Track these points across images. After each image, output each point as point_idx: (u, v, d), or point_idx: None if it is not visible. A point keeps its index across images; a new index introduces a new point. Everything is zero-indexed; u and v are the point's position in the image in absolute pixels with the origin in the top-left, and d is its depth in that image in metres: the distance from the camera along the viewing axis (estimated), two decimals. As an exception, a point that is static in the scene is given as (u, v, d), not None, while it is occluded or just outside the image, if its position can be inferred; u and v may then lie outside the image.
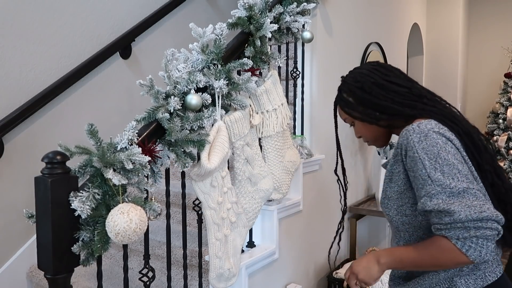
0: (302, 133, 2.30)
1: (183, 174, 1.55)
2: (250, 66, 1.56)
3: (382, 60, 3.29)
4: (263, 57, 1.71)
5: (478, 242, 0.96)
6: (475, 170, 1.08)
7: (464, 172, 1.02)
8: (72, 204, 1.09)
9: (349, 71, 1.32)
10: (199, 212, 1.58)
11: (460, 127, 1.12)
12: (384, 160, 1.38)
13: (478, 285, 1.09)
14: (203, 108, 1.42)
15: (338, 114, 1.39)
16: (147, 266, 1.39)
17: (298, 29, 1.96)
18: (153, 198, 1.27)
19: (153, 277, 1.38)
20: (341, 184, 1.66)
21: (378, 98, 1.21)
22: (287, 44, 2.32)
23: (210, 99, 1.42)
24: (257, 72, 1.68)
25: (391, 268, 1.15)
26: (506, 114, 4.34)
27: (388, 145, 2.87)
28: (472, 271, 1.10)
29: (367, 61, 3.01)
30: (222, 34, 1.48)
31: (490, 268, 1.11)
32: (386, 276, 2.06)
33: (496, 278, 1.10)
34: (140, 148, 1.19)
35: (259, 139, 1.80)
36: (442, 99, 1.25)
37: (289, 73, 2.26)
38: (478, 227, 0.96)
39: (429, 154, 1.03)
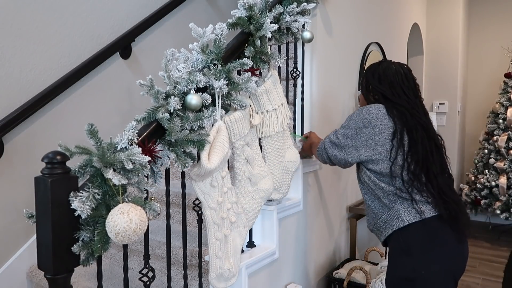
0: (302, 134, 2.30)
1: (183, 174, 1.55)
2: (250, 66, 1.56)
3: (382, 60, 3.29)
4: (263, 57, 1.71)
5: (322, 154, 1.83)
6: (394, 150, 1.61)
7: (354, 139, 1.67)
8: (72, 204, 1.09)
9: (386, 61, 1.83)
10: (199, 212, 1.58)
11: (409, 122, 1.63)
12: None
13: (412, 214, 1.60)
14: (203, 108, 1.42)
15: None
16: (147, 266, 1.39)
17: (298, 29, 1.96)
18: (153, 198, 1.27)
19: (153, 277, 1.38)
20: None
21: (387, 88, 1.72)
22: (287, 44, 2.32)
23: (210, 99, 1.42)
24: (257, 72, 1.68)
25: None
26: (506, 114, 4.33)
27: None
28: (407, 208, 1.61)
29: (367, 61, 3.02)
30: (222, 34, 1.48)
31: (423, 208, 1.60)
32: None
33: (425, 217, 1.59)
34: (140, 148, 1.19)
35: (259, 139, 1.80)
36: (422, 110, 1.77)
37: (289, 73, 2.26)
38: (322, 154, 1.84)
39: (349, 121, 1.71)
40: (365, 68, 1.78)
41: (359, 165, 1.75)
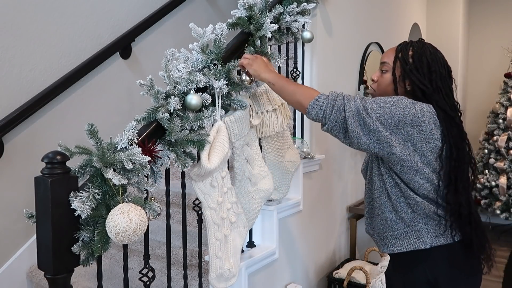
0: (302, 134, 2.30)
1: (183, 174, 1.55)
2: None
3: (382, 60, 3.28)
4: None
5: (325, 114, 1.35)
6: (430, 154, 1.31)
7: (386, 118, 1.28)
8: (72, 204, 1.09)
9: (432, 47, 1.42)
10: (199, 212, 1.58)
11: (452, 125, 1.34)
12: None
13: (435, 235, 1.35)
14: (203, 108, 1.42)
15: (383, 56, 1.48)
16: (147, 266, 1.39)
17: (298, 29, 1.96)
18: (153, 198, 1.27)
19: (153, 277, 1.38)
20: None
21: (431, 83, 1.36)
22: (287, 44, 2.32)
23: (210, 99, 1.42)
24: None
25: (269, 82, 1.49)
26: (506, 114, 4.33)
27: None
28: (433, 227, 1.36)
29: (367, 61, 3.01)
30: (222, 34, 1.48)
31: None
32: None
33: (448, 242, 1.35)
34: (140, 148, 1.19)
35: (259, 139, 1.80)
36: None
37: (289, 73, 2.26)
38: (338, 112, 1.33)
39: (393, 106, 1.29)
40: (401, 44, 1.43)
41: (381, 166, 1.40)
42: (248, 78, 1.54)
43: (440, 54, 1.41)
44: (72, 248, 1.11)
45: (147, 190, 1.27)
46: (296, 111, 2.28)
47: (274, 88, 1.47)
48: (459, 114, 1.38)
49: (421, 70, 1.35)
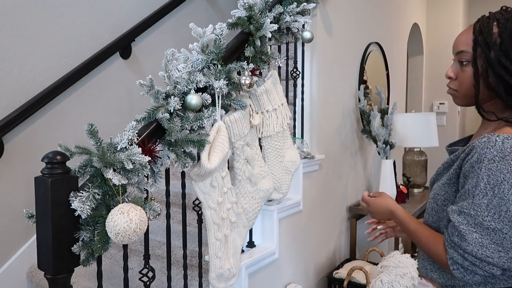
0: (302, 134, 2.30)
1: (183, 174, 1.55)
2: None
3: (382, 61, 3.29)
4: (263, 57, 1.71)
5: (465, 272, 0.97)
6: None
7: (511, 215, 0.91)
8: (72, 204, 1.09)
9: None
10: (199, 212, 1.58)
11: None
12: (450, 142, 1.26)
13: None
14: (203, 108, 1.42)
15: (457, 42, 1.08)
16: (147, 266, 1.39)
17: (298, 29, 1.96)
18: (153, 198, 1.27)
19: (153, 277, 1.38)
20: None
21: None
22: (287, 44, 2.32)
23: (210, 99, 1.42)
24: (257, 72, 1.68)
25: (395, 222, 1.21)
26: (506, 114, 4.33)
27: (389, 145, 2.88)
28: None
29: (367, 61, 3.02)
30: (222, 34, 1.48)
31: None
32: (386, 276, 2.07)
33: None
34: (140, 148, 1.19)
35: (259, 139, 1.80)
36: None
37: (289, 73, 2.26)
38: (474, 264, 0.95)
39: (491, 178, 0.91)
40: (480, 21, 1.02)
41: None
42: (247, 81, 1.52)
43: None
44: (72, 248, 1.11)
45: (147, 190, 1.27)
46: (297, 111, 2.28)
47: (403, 231, 1.19)
48: None
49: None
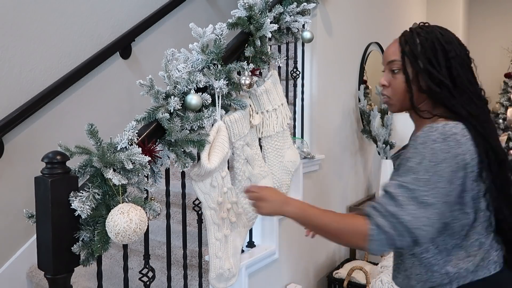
0: (302, 134, 2.30)
1: (183, 174, 1.55)
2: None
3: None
4: (263, 57, 1.71)
5: (386, 243, 0.99)
6: (477, 197, 1.04)
7: (444, 192, 0.98)
8: (72, 204, 1.09)
9: (440, 27, 1.14)
10: (199, 212, 1.58)
11: (492, 144, 1.04)
12: (393, 152, 1.27)
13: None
14: (203, 108, 1.42)
15: (387, 53, 1.18)
16: (147, 266, 1.38)
17: (298, 29, 1.96)
18: (153, 198, 1.27)
19: (153, 277, 1.38)
20: None
21: (451, 72, 1.08)
22: (287, 44, 2.32)
23: (210, 99, 1.42)
24: (257, 72, 1.68)
25: (293, 219, 1.15)
26: (506, 114, 4.33)
27: (389, 145, 2.88)
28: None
29: (367, 61, 3.02)
30: (222, 34, 1.48)
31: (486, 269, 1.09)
32: (386, 276, 2.07)
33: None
34: (140, 148, 1.19)
35: (259, 139, 1.80)
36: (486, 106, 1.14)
37: (289, 73, 2.26)
38: (401, 235, 0.98)
39: (433, 157, 0.99)
40: (404, 35, 1.16)
41: None
42: (247, 81, 1.51)
43: (452, 33, 1.15)
44: (72, 248, 1.11)
45: (147, 190, 1.27)
46: (297, 111, 2.28)
47: (305, 225, 1.17)
48: (487, 105, 1.13)
49: (435, 61, 1.08)
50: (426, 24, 1.17)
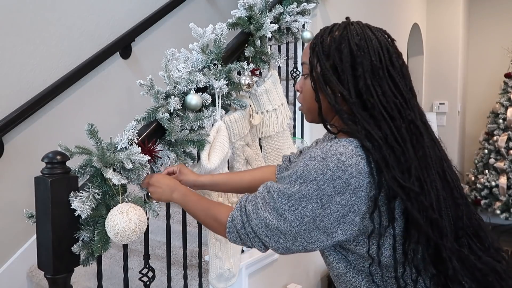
0: (302, 134, 2.30)
1: (183, 174, 1.55)
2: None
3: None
4: (263, 57, 1.71)
5: (237, 237, 0.99)
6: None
7: (307, 213, 0.87)
8: (72, 204, 1.09)
9: (358, 24, 0.96)
10: (199, 212, 1.58)
11: (390, 174, 0.84)
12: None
13: None
14: (203, 108, 1.42)
15: (303, 53, 1.03)
16: (147, 266, 1.39)
17: (298, 29, 1.96)
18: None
19: (153, 277, 1.38)
20: None
21: (358, 83, 0.89)
22: (287, 44, 2.32)
23: (210, 99, 1.42)
24: (257, 72, 1.68)
25: (180, 205, 1.17)
26: (506, 114, 4.33)
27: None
28: None
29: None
30: (222, 34, 1.48)
31: None
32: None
33: None
34: (140, 148, 1.19)
35: (259, 139, 1.80)
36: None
37: (289, 73, 2.26)
38: (248, 235, 0.96)
39: (304, 174, 0.87)
40: (321, 31, 0.98)
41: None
42: (247, 81, 1.51)
43: (379, 33, 0.95)
44: (72, 248, 1.11)
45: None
46: (297, 111, 2.28)
47: (187, 210, 1.16)
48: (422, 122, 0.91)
49: (340, 67, 0.90)
50: (347, 21, 0.97)
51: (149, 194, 1.23)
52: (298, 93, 1.06)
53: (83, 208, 1.08)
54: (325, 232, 0.88)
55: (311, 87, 0.97)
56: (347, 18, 1.00)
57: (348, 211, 0.86)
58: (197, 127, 1.38)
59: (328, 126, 0.97)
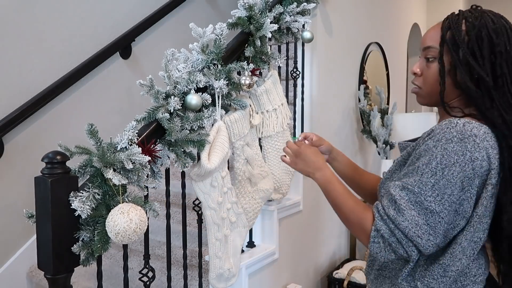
0: (302, 133, 2.30)
1: (183, 174, 1.55)
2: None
3: (382, 61, 3.28)
4: (263, 57, 1.71)
5: (387, 248, 0.93)
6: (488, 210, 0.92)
7: (453, 199, 0.88)
8: (72, 204, 1.08)
9: (494, 14, 1.02)
10: (199, 212, 1.58)
11: None
12: (402, 142, 1.14)
13: None
14: (203, 108, 1.42)
15: (425, 38, 1.06)
16: (147, 266, 1.38)
17: (298, 29, 1.96)
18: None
19: (153, 277, 1.38)
20: None
21: (495, 69, 0.93)
22: (287, 44, 2.32)
23: (210, 99, 1.42)
24: (257, 72, 1.68)
25: (319, 180, 1.14)
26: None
27: (389, 145, 2.88)
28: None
29: (367, 61, 3.01)
30: (222, 34, 1.48)
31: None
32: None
33: None
34: (140, 148, 1.19)
35: (259, 139, 1.80)
36: None
37: (289, 73, 2.26)
38: (400, 242, 0.91)
39: (444, 158, 0.88)
40: (449, 18, 1.06)
41: None
42: (247, 81, 1.51)
43: (507, 23, 1.00)
44: (72, 248, 1.11)
45: (147, 187, 1.27)
46: (297, 111, 2.28)
47: (325, 195, 1.14)
48: None
49: (479, 53, 0.94)
50: (479, 8, 1.03)
51: (283, 159, 1.22)
52: (414, 76, 1.06)
53: (83, 208, 1.08)
54: (464, 217, 0.91)
55: (436, 71, 1.00)
56: (475, 5, 1.05)
57: (480, 193, 0.90)
58: (197, 127, 1.38)
59: (449, 110, 0.99)
